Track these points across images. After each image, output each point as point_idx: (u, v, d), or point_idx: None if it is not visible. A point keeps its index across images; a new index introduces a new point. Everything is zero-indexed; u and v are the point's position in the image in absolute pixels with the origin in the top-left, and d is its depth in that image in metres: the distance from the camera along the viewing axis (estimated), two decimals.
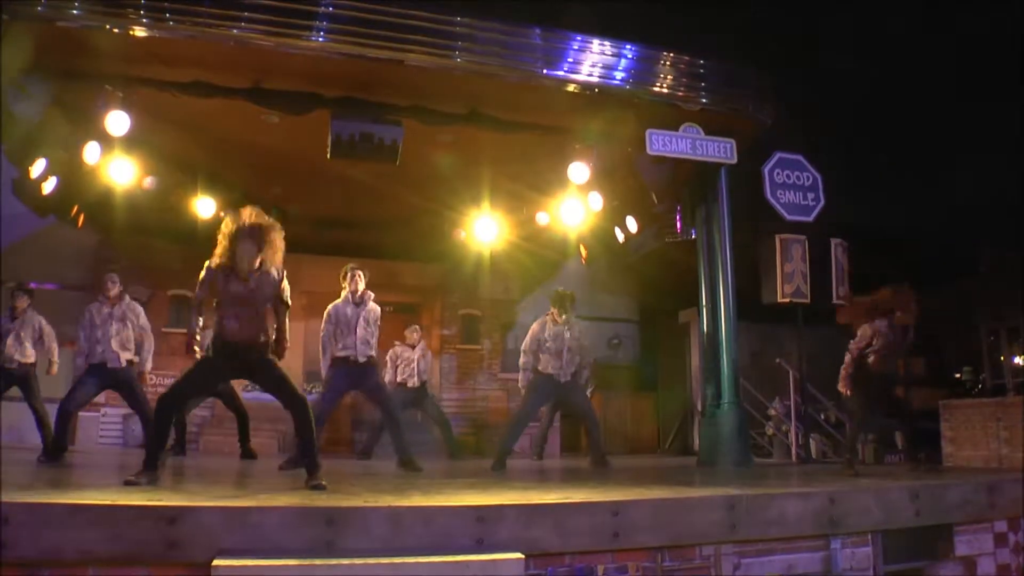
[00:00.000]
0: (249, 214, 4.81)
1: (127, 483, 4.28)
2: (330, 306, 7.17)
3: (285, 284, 4.95)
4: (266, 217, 4.89)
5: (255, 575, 3.17)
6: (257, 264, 4.76)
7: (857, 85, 12.31)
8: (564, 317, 7.58)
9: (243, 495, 3.99)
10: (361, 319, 7.05)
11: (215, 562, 3.17)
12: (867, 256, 8.96)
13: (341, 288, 7.26)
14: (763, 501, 4.35)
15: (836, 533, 4.52)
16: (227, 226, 4.77)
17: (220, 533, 3.29)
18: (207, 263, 4.81)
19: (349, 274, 7.22)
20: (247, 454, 8.67)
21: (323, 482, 4.45)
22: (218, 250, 4.75)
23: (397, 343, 9.30)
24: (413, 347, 9.22)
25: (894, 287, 6.78)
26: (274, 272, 4.85)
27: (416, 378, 9.09)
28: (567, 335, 7.52)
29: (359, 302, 7.13)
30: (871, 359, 6.72)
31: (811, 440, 9.60)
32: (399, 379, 9.05)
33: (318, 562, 3.24)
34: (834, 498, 4.54)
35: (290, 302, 5.02)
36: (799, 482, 5.66)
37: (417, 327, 9.46)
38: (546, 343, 7.53)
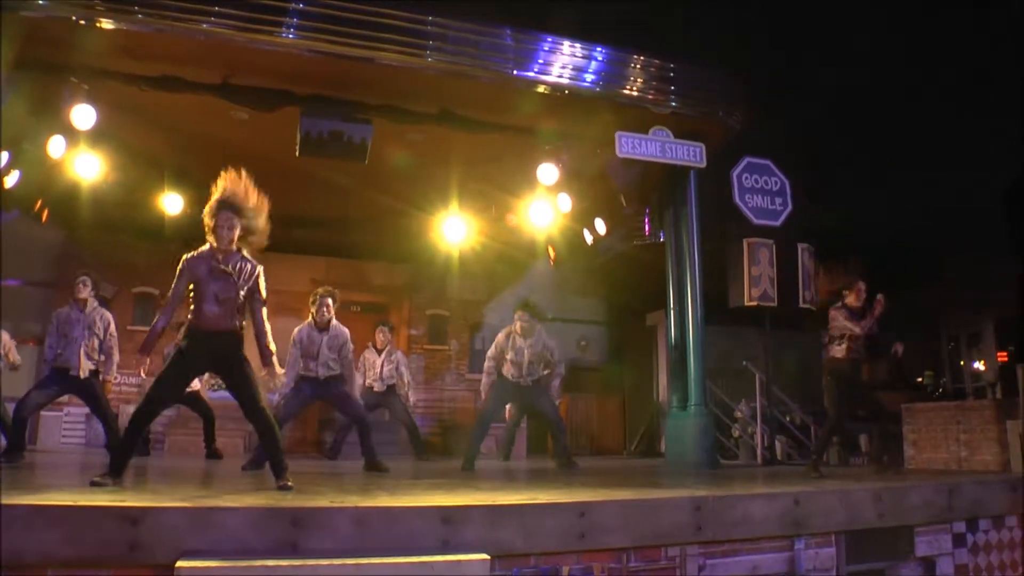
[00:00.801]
0: (233, 180, 4.77)
1: (93, 483, 4.21)
2: (296, 330, 7.18)
3: (262, 278, 4.87)
4: (251, 188, 4.83)
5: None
6: (236, 238, 4.70)
7: (827, 91, 12.48)
8: (527, 340, 7.58)
9: (208, 495, 3.95)
10: (324, 345, 7.07)
11: (179, 563, 3.13)
12: (832, 261, 9.07)
13: (309, 311, 7.24)
14: (729, 502, 4.38)
15: (800, 534, 4.58)
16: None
17: (184, 534, 3.25)
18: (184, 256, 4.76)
19: (318, 300, 7.18)
20: (212, 454, 8.60)
21: (290, 483, 4.42)
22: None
23: (369, 346, 9.26)
24: (379, 351, 9.17)
25: (847, 274, 6.94)
26: (253, 263, 4.78)
27: (381, 383, 9.04)
28: (527, 351, 7.56)
29: (323, 328, 7.13)
30: (841, 353, 6.83)
31: (776, 442, 9.70)
32: (366, 383, 9.00)
33: (283, 563, 3.21)
34: (799, 499, 4.59)
35: (265, 298, 4.96)
36: (765, 484, 5.71)
37: (384, 329, 9.40)
38: (507, 354, 7.57)
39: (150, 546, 3.21)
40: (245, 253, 4.84)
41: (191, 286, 4.73)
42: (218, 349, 4.69)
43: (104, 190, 9.02)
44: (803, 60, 12.23)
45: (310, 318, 7.19)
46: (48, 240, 10.92)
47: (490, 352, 7.76)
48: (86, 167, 8.30)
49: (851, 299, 6.96)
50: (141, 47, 6.76)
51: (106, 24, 6.43)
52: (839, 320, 6.89)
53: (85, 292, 6.97)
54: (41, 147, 7.76)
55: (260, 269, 4.88)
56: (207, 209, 4.78)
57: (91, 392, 6.88)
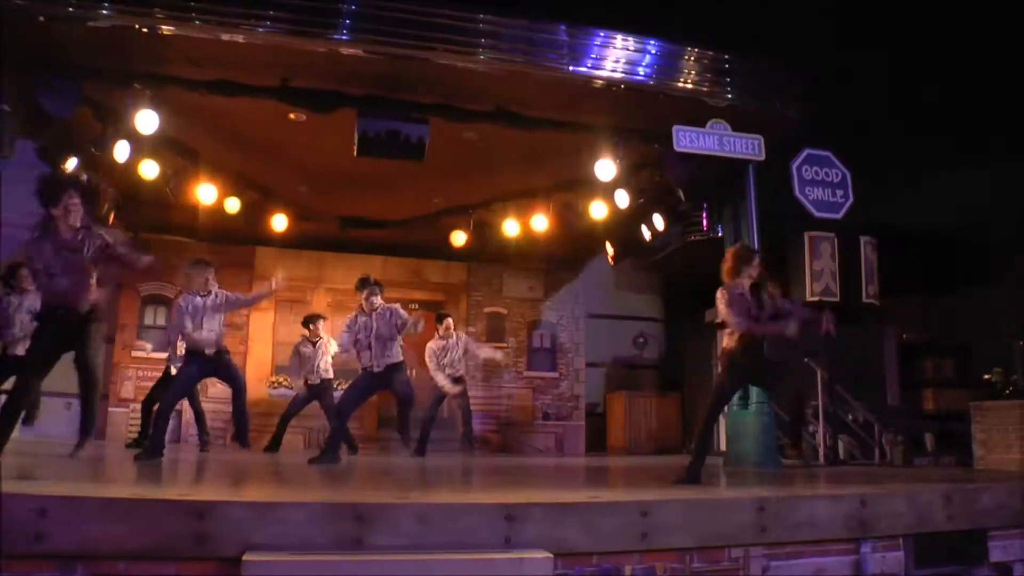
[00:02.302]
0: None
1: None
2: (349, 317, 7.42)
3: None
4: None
5: (285, 571, 3.18)
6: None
7: (889, 79, 12.13)
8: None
9: (272, 490, 4.01)
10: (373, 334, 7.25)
11: (246, 556, 3.18)
12: (898, 255, 8.83)
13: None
14: (793, 503, 4.29)
15: (867, 536, 4.45)
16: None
17: (249, 528, 3.30)
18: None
19: (366, 291, 7.35)
20: (205, 448, 8.82)
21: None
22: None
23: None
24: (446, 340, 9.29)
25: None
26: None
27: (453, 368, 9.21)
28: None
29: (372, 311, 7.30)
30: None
31: (839, 441, 9.48)
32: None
33: (346, 558, 3.24)
34: (865, 500, 4.46)
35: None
36: (828, 484, 5.58)
37: (449, 319, 9.49)
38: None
39: (216, 539, 3.27)
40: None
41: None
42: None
43: (167, 193, 9.23)
44: (865, 44, 11.90)
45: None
46: (117, 240, 11.18)
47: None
48: (150, 171, 8.51)
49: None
50: (200, 53, 6.91)
51: (166, 31, 6.59)
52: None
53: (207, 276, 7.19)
54: (107, 152, 7.97)
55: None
56: None
57: (224, 367, 7.13)
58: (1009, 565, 4.97)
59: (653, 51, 7.59)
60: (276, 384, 11.29)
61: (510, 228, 10.70)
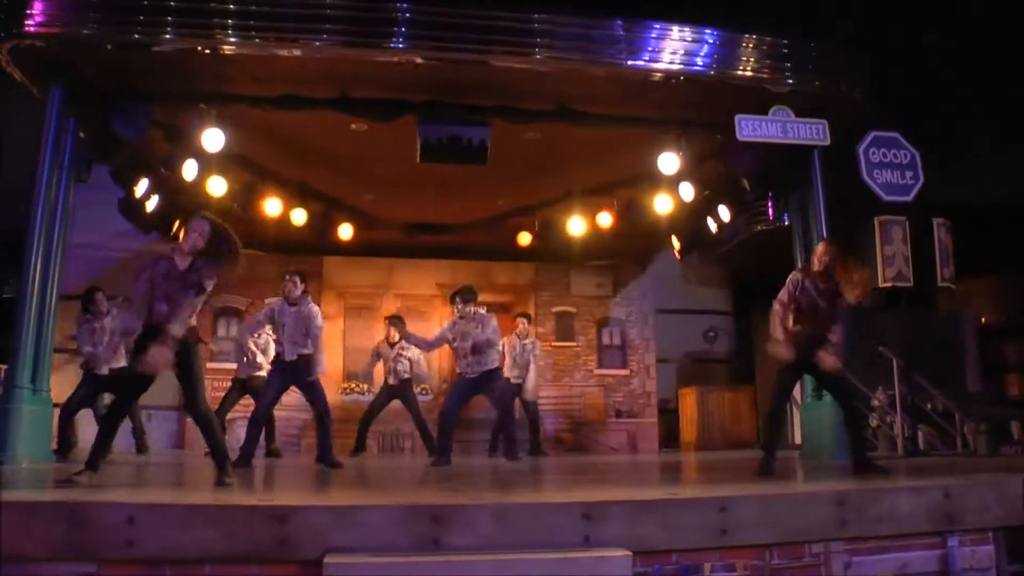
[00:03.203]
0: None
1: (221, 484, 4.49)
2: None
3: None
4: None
5: (365, 572, 3.23)
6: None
7: (959, 54, 11.72)
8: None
9: (351, 493, 4.08)
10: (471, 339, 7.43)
11: (326, 559, 3.24)
12: (974, 235, 8.55)
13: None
14: (873, 496, 4.18)
15: (953, 530, 4.29)
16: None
17: (329, 531, 3.36)
18: None
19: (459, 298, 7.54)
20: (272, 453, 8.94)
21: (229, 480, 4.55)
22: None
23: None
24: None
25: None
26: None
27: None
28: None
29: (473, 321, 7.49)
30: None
31: (918, 431, 9.21)
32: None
33: (426, 559, 3.28)
34: (949, 492, 4.31)
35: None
36: (910, 476, 5.42)
37: (524, 320, 9.62)
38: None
39: (297, 543, 3.34)
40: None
41: None
42: None
43: (235, 208, 9.47)
44: (933, 18, 11.52)
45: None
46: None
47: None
48: (217, 187, 8.75)
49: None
50: (261, 69, 7.09)
51: (227, 51, 6.78)
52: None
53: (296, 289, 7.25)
54: (176, 171, 8.23)
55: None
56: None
57: (300, 377, 7.21)
58: None
59: (711, 40, 7.50)
60: (348, 390, 11.48)
61: (575, 226, 10.70)
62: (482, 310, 7.68)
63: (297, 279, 7.08)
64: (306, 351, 6.93)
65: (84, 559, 3.29)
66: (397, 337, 9.19)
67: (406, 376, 9.23)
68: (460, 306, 7.54)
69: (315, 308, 7.15)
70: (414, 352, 9.13)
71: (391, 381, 9.20)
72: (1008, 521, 4.43)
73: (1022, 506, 4.47)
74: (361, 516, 3.42)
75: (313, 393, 7.00)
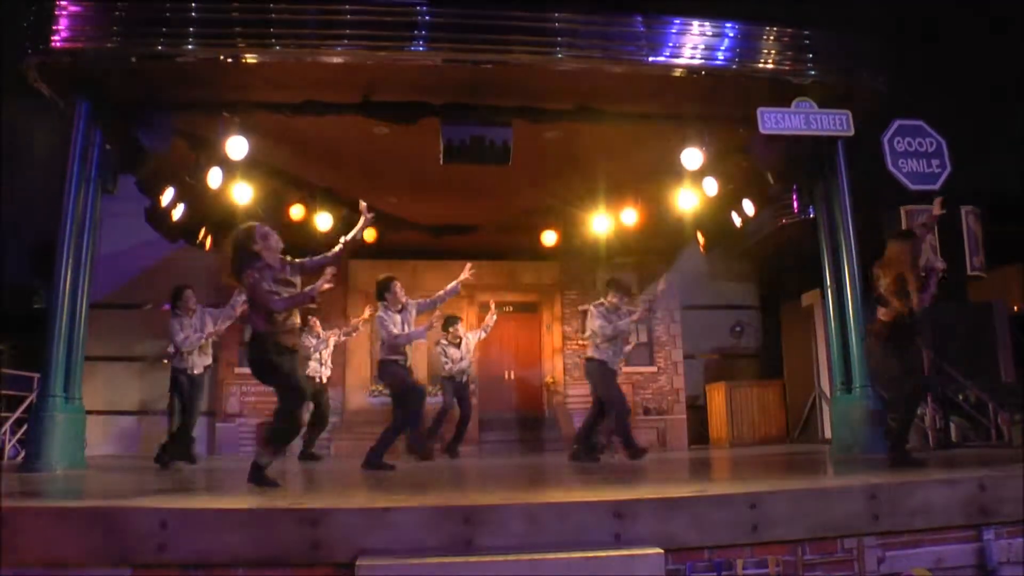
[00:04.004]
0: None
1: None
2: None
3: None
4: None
5: (398, 574, 3.25)
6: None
7: (980, 37, 11.55)
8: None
9: (382, 495, 4.10)
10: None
11: (359, 561, 3.26)
12: (1005, 223, 8.42)
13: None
14: (906, 489, 4.12)
15: (989, 523, 4.22)
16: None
17: (361, 533, 3.38)
18: None
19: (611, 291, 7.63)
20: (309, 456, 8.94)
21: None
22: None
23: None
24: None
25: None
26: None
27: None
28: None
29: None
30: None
31: (951, 423, 9.09)
32: None
33: (458, 559, 3.29)
34: (984, 485, 4.24)
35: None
36: (943, 468, 5.34)
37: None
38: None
39: (330, 545, 3.37)
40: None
41: None
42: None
43: (260, 214, 9.55)
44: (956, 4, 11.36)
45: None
46: (212, 266, 11.69)
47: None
48: (242, 194, 8.83)
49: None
50: (283, 76, 7.16)
51: (250, 59, 6.84)
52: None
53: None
54: (201, 180, 8.31)
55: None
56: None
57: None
58: None
59: (731, 34, 7.46)
60: (376, 392, 11.54)
61: (599, 224, 10.69)
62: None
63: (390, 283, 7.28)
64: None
65: (118, 564, 3.34)
66: (461, 335, 9.40)
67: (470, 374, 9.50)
68: (618, 297, 7.61)
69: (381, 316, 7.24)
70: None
71: (459, 379, 9.31)
72: None
73: None
74: (393, 518, 3.43)
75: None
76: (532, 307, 12.06)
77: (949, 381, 9.40)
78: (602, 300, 7.71)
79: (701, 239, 11.22)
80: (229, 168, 8.26)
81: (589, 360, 7.61)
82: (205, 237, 10.60)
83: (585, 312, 12.65)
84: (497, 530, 3.43)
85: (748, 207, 9.80)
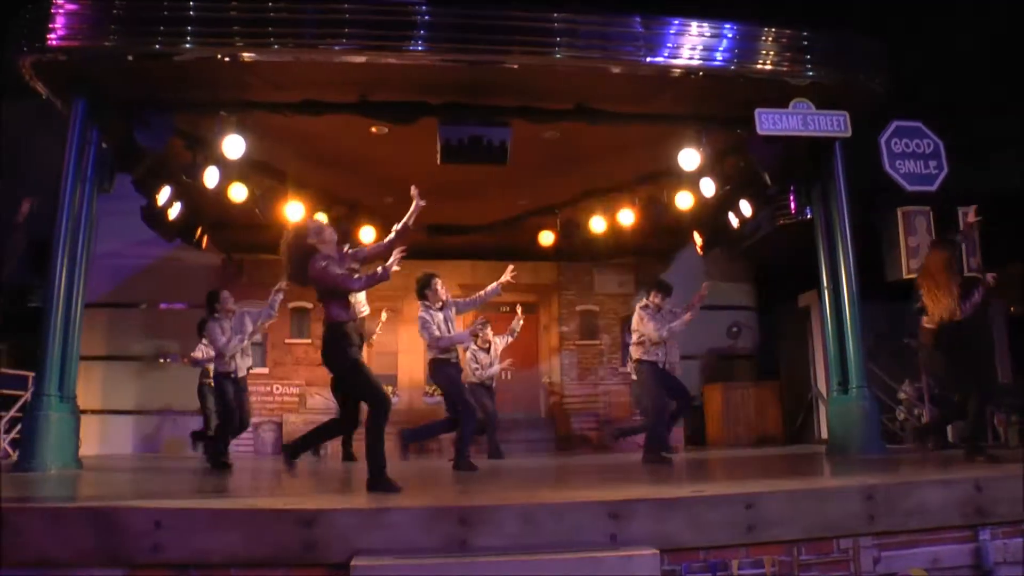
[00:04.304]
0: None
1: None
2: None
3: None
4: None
5: (392, 574, 3.24)
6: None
7: (979, 39, 11.56)
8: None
9: (377, 496, 4.09)
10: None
11: (354, 562, 3.26)
12: (1002, 223, 8.41)
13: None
14: (902, 490, 4.14)
15: (985, 523, 4.24)
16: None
17: (356, 534, 3.38)
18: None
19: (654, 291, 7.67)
20: (349, 456, 8.85)
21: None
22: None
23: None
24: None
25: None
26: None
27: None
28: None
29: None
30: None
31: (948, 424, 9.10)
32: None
33: (452, 560, 3.28)
34: (980, 485, 4.26)
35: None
36: (939, 469, 5.36)
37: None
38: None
39: (325, 546, 3.37)
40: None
41: None
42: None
43: (256, 213, 9.54)
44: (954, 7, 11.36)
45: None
46: (208, 265, 11.69)
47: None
48: (238, 194, 8.82)
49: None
50: (280, 76, 7.13)
51: (247, 58, 6.82)
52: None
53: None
54: (198, 179, 8.29)
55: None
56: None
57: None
58: None
59: (730, 35, 7.44)
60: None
61: (597, 224, 10.70)
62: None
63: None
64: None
65: (112, 564, 3.34)
66: (491, 339, 9.41)
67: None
68: (660, 298, 7.68)
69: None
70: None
71: (488, 383, 9.31)
72: None
73: None
74: (388, 518, 3.43)
75: None
76: (530, 308, 12.02)
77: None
78: (646, 301, 7.75)
79: (698, 240, 11.23)
80: (226, 167, 8.24)
81: (640, 362, 7.64)
82: (201, 236, 10.59)
83: (584, 312, 12.71)
84: (492, 530, 3.43)
85: (745, 208, 9.80)
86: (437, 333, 7.06)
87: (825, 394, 9.08)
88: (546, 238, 11.37)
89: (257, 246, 10.89)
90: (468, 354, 9.35)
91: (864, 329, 7.95)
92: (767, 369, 12.98)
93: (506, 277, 7.42)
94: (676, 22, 7.27)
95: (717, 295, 12.67)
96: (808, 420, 12.11)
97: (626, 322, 12.65)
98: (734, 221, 10.15)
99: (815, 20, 7.85)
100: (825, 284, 8.16)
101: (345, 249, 5.20)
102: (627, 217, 10.47)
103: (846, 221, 7.98)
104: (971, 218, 6.37)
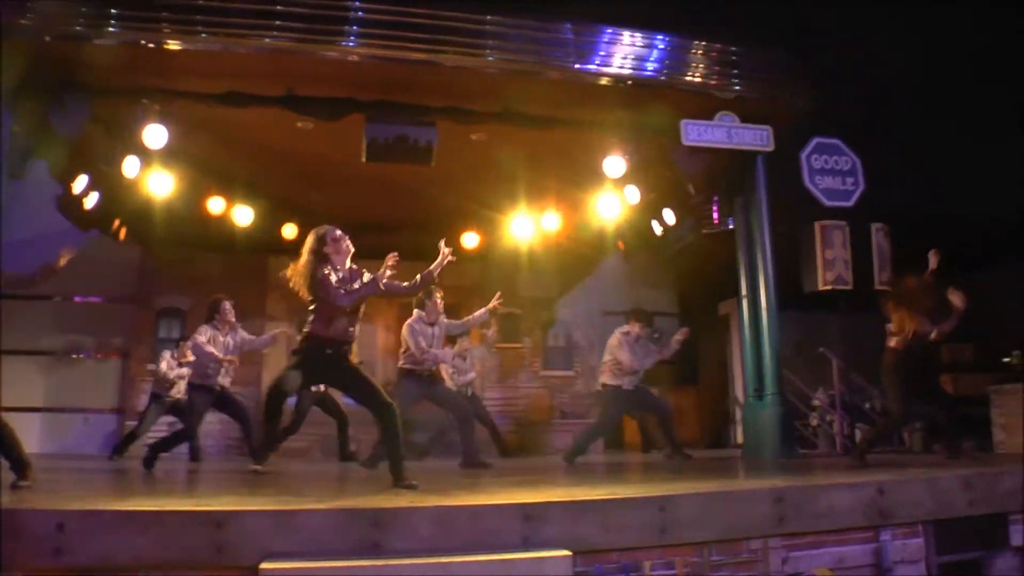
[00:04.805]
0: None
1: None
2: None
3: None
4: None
5: None
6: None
7: (897, 65, 12.05)
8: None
9: (289, 498, 4.02)
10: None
11: (263, 565, 3.20)
12: (911, 240, 8.76)
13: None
14: (811, 493, 4.27)
15: (886, 524, 4.43)
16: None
17: (268, 536, 3.32)
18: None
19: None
20: (347, 457, 8.62)
21: (413, 482, 4.48)
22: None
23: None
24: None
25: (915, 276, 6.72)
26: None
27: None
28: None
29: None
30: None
31: (856, 430, 9.43)
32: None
33: (365, 563, 3.25)
34: (883, 489, 4.44)
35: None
36: (847, 473, 5.54)
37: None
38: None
39: (235, 548, 3.29)
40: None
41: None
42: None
43: (177, 206, 9.29)
44: (872, 33, 11.83)
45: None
46: (126, 257, 11.31)
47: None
48: (159, 185, 8.57)
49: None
50: (207, 65, 6.95)
51: (172, 45, 6.64)
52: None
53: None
54: (117, 168, 8.03)
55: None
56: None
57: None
58: None
59: (661, 46, 7.58)
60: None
61: (522, 228, 10.70)
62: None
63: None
64: None
65: (9, 569, 3.18)
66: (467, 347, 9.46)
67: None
68: (639, 327, 7.89)
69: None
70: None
71: (464, 392, 9.20)
72: (938, 514, 4.58)
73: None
74: (299, 521, 3.38)
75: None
76: (452, 309, 11.99)
77: (856, 390, 9.76)
78: (628, 329, 7.92)
79: (622, 246, 11.37)
80: (147, 157, 8.00)
81: (606, 386, 7.88)
82: (119, 227, 10.25)
83: (506, 315, 12.72)
84: (406, 533, 3.41)
85: (669, 216, 9.97)
86: (424, 346, 7.06)
87: (742, 400, 9.31)
88: (470, 240, 11.35)
89: (178, 239, 10.60)
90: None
91: (781, 338, 8.19)
92: (686, 375, 13.20)
93: (493, 304, 7.40)
94: (608, 31, 7.37)
95: (639, 301, 12.89)
96: (725, 425, 12.38)
97: (549, 326, 12.79)
98: (658, 229, 10.31)
99: (745, 37, 8.06)
100: (744, 293, 8.37)
101: (362, 272, 5.18)
102: (552, 221, 10.53)
103: (766, 232, 8.20)
104: (933, 263, 6.72)
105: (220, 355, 7.28)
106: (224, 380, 7.62)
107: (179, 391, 8.39)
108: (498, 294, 7.44)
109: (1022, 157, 10.92)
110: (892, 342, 6.63)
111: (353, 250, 5.15)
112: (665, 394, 12.43)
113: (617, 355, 7.74)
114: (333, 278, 4.88)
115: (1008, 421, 7.98)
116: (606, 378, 7.85)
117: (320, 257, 4.96)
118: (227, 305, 7.45)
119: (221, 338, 7.41)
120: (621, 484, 4.75)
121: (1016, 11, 10.51)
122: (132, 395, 11.04)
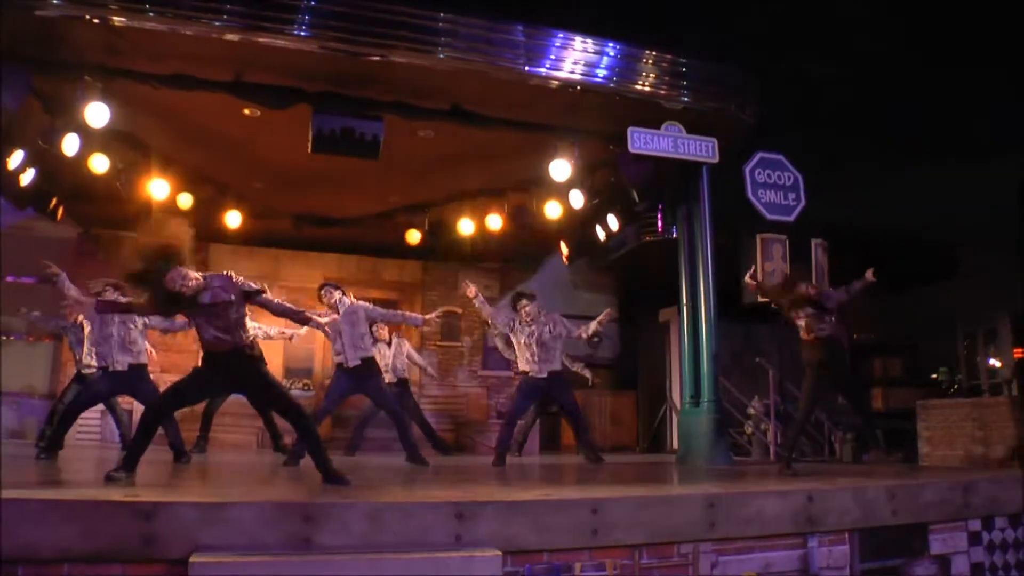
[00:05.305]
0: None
1: (109, 478, 4.26)
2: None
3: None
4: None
5: (232, 572, 3.15)
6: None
7: (841, 85, 12.39)
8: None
9: (220, 490, 3.97)
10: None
11: (192, 558, 3.15)
12: (847, 256, 9.02)
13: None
14: (742, 499, 4.37)
15: (814, 531, 4.55)
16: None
17: (197, 529, 3.27)
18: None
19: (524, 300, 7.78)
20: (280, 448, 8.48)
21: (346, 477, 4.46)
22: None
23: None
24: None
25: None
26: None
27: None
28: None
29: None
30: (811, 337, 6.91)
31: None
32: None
33: (295, 558, 3.23)
34: (812, 496, 4.57)
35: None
36: (778, 481, 5.69)
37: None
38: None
39: (164, 540, 3.24)
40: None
41: None
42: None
43: (117, 187, 9.05)
44: (815, 53, 12.15)
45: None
46: (62, 238, 10.98)
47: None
48: (100, 165, 8.33)
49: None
50: (154, 45, 6.77)
51: (119, 22, 6.45)
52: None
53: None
54: (56, 145, 7.79)
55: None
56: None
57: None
58: (948, 557, 5.13)
59: (612, 53, 7.63)
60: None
61: (465, 227, 10.67)
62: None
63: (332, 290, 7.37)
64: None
65: None
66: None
67: (404, 375, 9.66)
68: (530, 307, 7.80)
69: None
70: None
71: (389, 379, 9.14)
72: (864, 523, 4.72)
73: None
74: (229, 513, 3.33)
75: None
76: (392, 305, 11.96)
77: (791, 399, 9.99)
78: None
79: (565, 249, 11.43)
80: (87, 136, 7.75)
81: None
82: (56, 207, 9.96)
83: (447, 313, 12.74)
84: (337, 528, 3.39)
85: (613, 222, 10.04)
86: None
87: (678, 406, 9.44)
88: (413, 236, 11.30)
89: (116, 221, 10.33)
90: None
91: (719, 346, 8.34)
92: (626, 379, 13.35)
93: (436, 315, 7.90)
94: (560, 35, 7.40)
95: (580, 305, 12.99)
96: (661, 430, 12.55)
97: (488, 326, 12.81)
98: (601, 234, 10.38)
99: (696, 48, 8.19)
100: (685, 301, 8.49)
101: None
102: (495, 222, 10.52)
103: (708, 243, 8.34)
104: (869, 278, 7.00)
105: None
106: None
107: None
108: (440, 309, 7.85)
109: (957, 179, 11.34)
110: (802, 334, 6.99)
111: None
112: (604, 397, 12.62)
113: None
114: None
115: (932, 435, 8.24)
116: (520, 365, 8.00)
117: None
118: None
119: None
120: (555, 485, 4.79)
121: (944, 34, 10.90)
122: (64, 381, 10.72)
